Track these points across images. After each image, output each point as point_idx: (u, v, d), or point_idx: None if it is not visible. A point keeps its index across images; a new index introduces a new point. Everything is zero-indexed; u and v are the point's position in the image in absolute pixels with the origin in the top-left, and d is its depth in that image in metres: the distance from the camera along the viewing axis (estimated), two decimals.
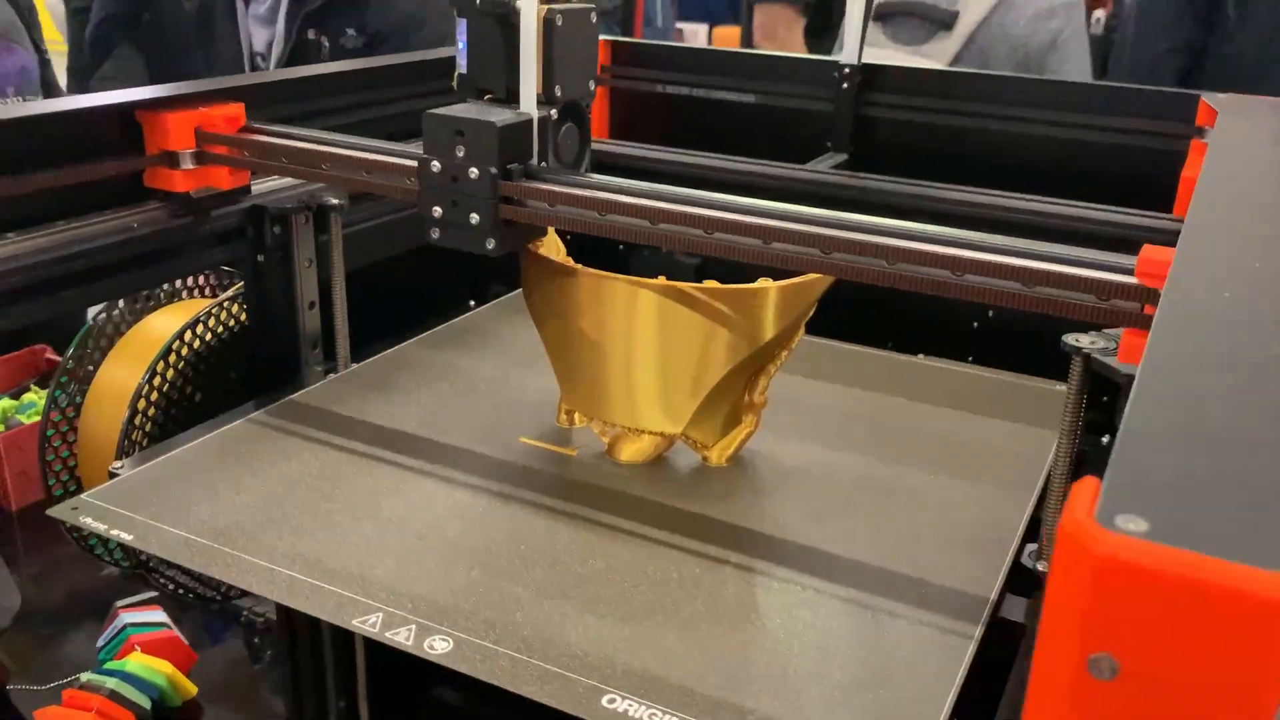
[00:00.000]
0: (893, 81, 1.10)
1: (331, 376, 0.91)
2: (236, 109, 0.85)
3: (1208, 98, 0.96)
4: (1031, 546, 0.72)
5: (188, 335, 0.88)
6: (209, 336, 0.91)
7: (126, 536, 0.67)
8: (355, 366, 0.92)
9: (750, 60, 1.22)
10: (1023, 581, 0.70)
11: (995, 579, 0.67)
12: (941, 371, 0.97)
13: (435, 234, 0.74)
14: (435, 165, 0.72)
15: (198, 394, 0.90)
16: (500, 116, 0.71)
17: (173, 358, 0.87)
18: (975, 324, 1.05)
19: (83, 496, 0.71)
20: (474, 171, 0.70)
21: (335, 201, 0.87)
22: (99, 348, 0.92)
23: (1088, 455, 0.72)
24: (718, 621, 0.62)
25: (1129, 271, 0.57)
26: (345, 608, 0.62)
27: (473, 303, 1.08)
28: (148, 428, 0.86)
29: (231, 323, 0.92)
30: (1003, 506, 0.75)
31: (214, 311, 0.91)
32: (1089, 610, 0.28)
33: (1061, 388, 0.94)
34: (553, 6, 0.73)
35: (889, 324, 1.03)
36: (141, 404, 0.86)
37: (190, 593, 0.92)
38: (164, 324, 0.93)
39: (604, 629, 0.61)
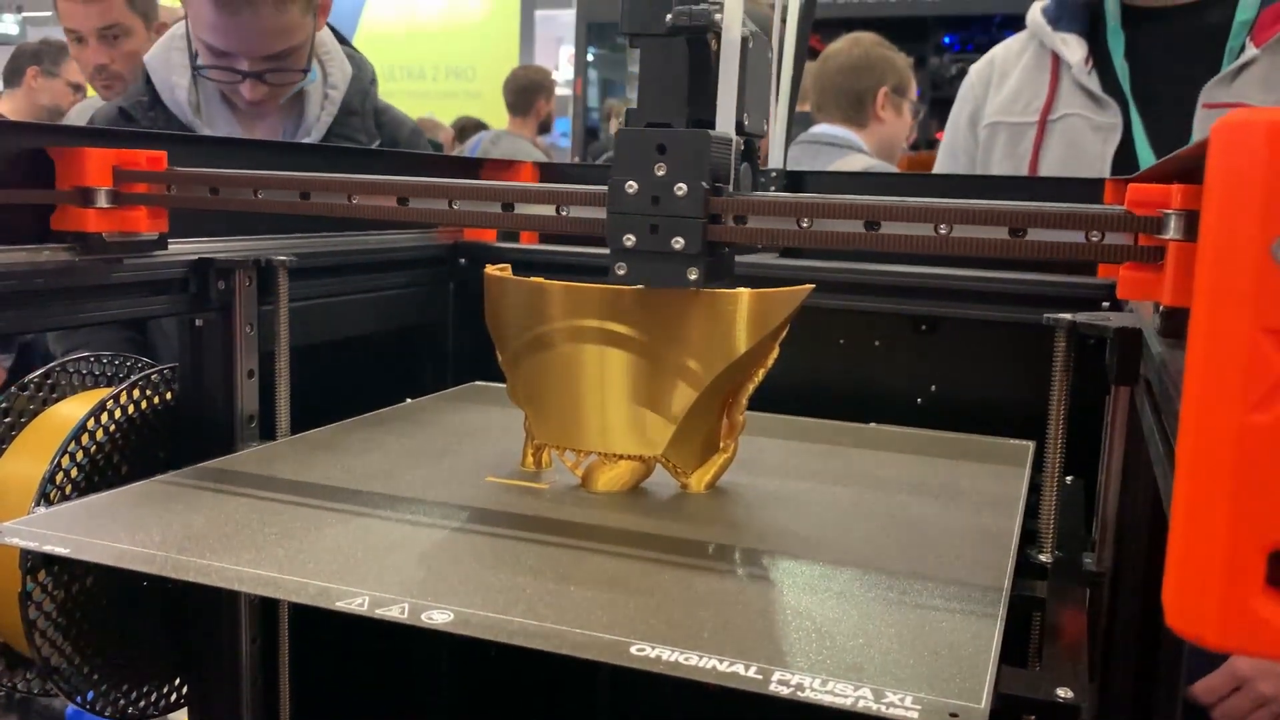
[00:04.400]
0: (814, 184, 1.14)
1: (270, 443, 0.85)
2: (159, 154, 0.79)
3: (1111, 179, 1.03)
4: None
5: (105, 415, 0.82)
6: (130, 411, 0.84)
7: (61, 550, 0.59)
8: (295, 436, 0.87)
9: None
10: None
11: (1005, 566, 0.64)
12: (898, 433, 0.97)
13: (622, 270, 0.65)
14: (631, 186, 0.64)
15: (124, 466, 0.83)
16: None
17: (85, 438, 0.80)
18: (919, 400, 1.06)
19: (4, 524, 0.63)
20: (681, 188, 0.63)
21: (283, 258, 0.84)
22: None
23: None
24: (738, 597, 0.58)
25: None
26: (328, 592, 0.55)
27: (409, 400, 1.04)
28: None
29: (148, 403, 0.86)
30: (992, 518, 0.73)
31: (132, 389, 0.84)
32: (1269, 190, 0.27)
33: (1016, 442, 0.95)
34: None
35: (832, 402, 1.02)
36: (59, 479, 0.78)
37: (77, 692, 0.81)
38: (71, 411, 0.86)
39: (617, 600, 0.56)
